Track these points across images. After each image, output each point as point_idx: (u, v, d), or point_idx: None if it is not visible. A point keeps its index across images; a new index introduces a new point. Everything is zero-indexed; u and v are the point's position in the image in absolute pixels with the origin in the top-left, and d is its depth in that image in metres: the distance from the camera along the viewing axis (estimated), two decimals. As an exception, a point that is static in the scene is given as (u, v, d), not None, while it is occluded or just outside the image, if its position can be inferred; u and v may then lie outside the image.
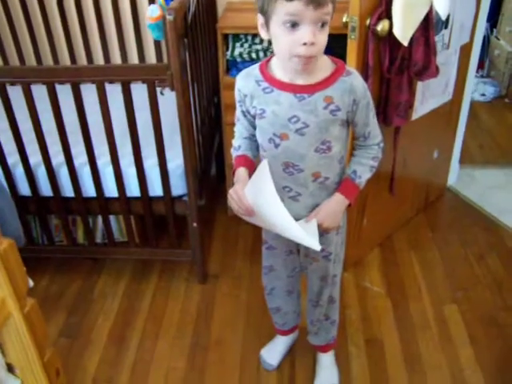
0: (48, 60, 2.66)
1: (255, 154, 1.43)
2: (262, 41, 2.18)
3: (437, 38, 1.89)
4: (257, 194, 1.28)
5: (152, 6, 1.90)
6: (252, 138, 1.42)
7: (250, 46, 2.17)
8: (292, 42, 1.14)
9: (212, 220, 2.56)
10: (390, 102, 1.85)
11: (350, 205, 1.40)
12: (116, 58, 2.64)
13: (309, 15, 1.10)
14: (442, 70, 1.98)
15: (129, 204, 2.00)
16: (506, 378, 1.77)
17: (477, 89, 3.69)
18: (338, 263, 1.58)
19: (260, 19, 1.20)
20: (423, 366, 1.81)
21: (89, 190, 1.97)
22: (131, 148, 1.84)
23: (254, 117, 1.35)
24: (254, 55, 2.18)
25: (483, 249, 2.33)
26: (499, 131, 3.34)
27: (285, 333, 1.83)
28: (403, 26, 1.63)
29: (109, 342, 1.94)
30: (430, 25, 1.73)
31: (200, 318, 2.03)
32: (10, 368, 1.13)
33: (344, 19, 1.71)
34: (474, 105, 3.37)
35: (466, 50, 2.23)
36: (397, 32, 1.64)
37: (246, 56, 2.18)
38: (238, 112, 1.40)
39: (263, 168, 1.23)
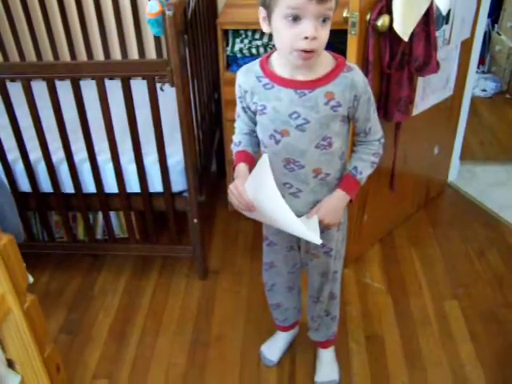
0: (48, 56, 2.65)
1: (256, 150, 1.42)
2: (262, 36, 2.17)
3: (437, 34, 1.88)
4: (257, 189, 1.28)
5: (151, 1, 1.89)
6: (252, 134, 1.42)
7: (250, 42, 2.16)
8: (294, 36, 1.13)
9: (212, 216, 2.56)
10: (390, 97, 1.84)
11: (351, 201, 1.40)
12: (116, 54, 2.64)
13: (311, 9, 1.09)
14: (443, 66, 1.98)
15: (129, 200, 2.00)
16: (507, 374, 1.77)
17: (478, 84, 3.68)
18: (339, 259, 1.58)
19: (262, 12, 1.19)
20: (424, 362, 1.81)
21: (89, 186, 1.97)
22: (131, 144, 1.84)
23: (254, 113, 1.35)
24: (254, 51, 2.17)
25: (484, 245, 2.33)
26: (500, 127, 3.33)
27: (285, 329, 1.83)
28: (404, 21, 1.62)
29: (109, 338, 1.95)
30: (430, 20, 1.72)
31: (200, 314, 2.04)
32: (11, 364, 1.13)
33: (344, 14, 1.70)
34: (474, 100, 3.37)
35: (466, 46, 2.22)
36: (397, 27, 1.63)
37: (246, 52, 2.17)
38: (238, 108, 1.40)
39: (263, 163, 1.23)
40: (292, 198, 1.38)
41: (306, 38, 1.12)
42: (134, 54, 2.62)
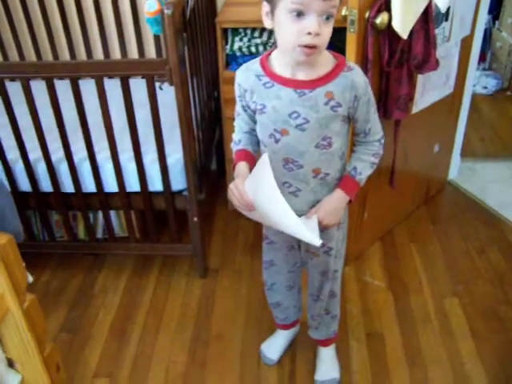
0: (47, 55, 2.65)
1: (256, 149, 1.42)
2: (261, 34, 2.17)
3: (437, 31, 1.88)
4: (257, 188, 1.28)
5: (150, 0, 1.89)
6: (252, 133, 1.41)
7: (249, 40, 2.16)
8: (297, 31, 1.13)
9: (212, 214, 2.56)
10: (389, 95, 1.84)
11: (350, 201, 1.39)
12: (116, 53, 2.64)
13: (316, 5, 1.09)
14: (443, 63, 1.98)
15: (129, 199, 2.00)
16: (507, 371, 1.76)
17: (479, 81, 3.67)
18: (339, 258, 1.58)
19: (265, 7, 1.18)
20: (424, 359, 1.81)
21: (89, 186, 1.97)
22: (131, 143, 1.84)
23: (254, 112, 1.35)
24: (253, 49, 2.17)
25: (484, 242, 2.33)
26: (501, 124, 3.33)
27: (285, 327, 1.83)
28: (403, 18, 1.62)
29: (110, 336, 1.95)
30: (429, 17, 1.72)
31: (201, 313, 2.04)
32: (11, 363, 1.13)
33: (343, 12, 1.70)
34: (475, 98, 3.36)
35: (466, 43, 2.22)
36: (396, 25, 1.63)
37: (245, 50, 2.17)
38: (238, 107, 1.40)
39: (264, 162, 1.23)
40: (291, 196, 1.37)
41: (309, 33, 1.12)
42: (133, 53, 2.62)
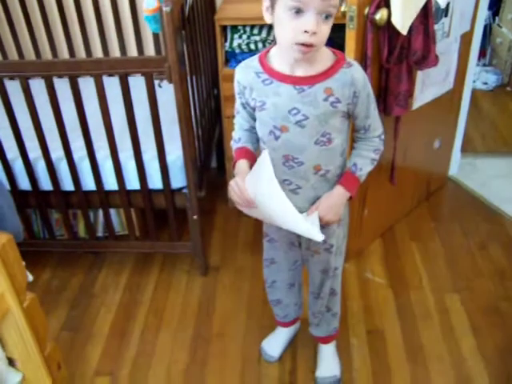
0: (47, 54, 2.65)
1: (255, 147, 1.42)
2: (260, 32, 2.16)
3: (437, 27, 1.87)
4: (258, 186, 1.28)
5: (149, -3, 1.89)
6: (252, 130, 1.41)
7: (248, 38, 2.15)
8: (294, 29, 1.13)
9: (212, 212, 2.56)
10: (389, 91, 1.84)
11: (351, 197, 1.39)
12: (115, 51, 2.63)
13: (315, 4, 1.09)
14: (443, 59, 1.97)
15: (129, 197, 2.00)
16: (508, 367, 1.76)
17: (479, 77, 3.66)
18: (340, 256, 1.58)
19: (266, 2, 1.18)
20: (425, 356, 1.81)
21: (89, 184, 1.97)
22: (130, 141, 1.84)
23: (253, 109, 1.34)
24: (252, 46, 2.16)
25: (485, 238, 2.33)
26: (501, 120, 3.32)
27: (286, 325, 1.83)
28: (402, 14, 1.61)
29: (110, 335, 1.95)
30: (429, 13, 1.71)
31: (201, 311, 2.04)
32: (12, 362, 1.13)
33: (342, 9, 1.69)
34: (475, 93, 3.36)
35: (466, 39, 2.21)
36: (395, 21, 1.62)
37: (244, 47, 2.17)
38: (237, 104, 1.39)
39: (264, 159, 1.23)
40: (291, 194, 1.37)
41: (307, 31, 1.11)
42: (132, 51, 2.62)
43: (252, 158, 1.39)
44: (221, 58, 2.20)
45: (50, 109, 1.78)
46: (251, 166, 1.35)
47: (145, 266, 2.26)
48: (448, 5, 1.89)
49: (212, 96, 2.48)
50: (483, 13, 2.29)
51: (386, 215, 2.35)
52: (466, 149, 2.80)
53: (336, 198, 1.36)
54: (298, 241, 1.58)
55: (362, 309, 2.01)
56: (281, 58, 1.25)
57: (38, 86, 1.80)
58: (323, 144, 1.29)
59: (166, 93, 1.86)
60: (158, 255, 2.31)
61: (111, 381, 1.79)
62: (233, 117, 1.45)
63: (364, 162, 1.36)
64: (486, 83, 3.68)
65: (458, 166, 2.75)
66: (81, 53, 2.63)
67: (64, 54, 2.65)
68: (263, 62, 1.28)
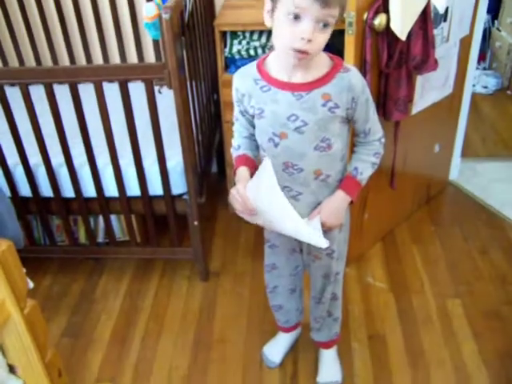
0: (47, 60, 2.66)
1: (256, 154, 1.42)
2: (260, 37, 2.17)
3: (436, 31, 1.88)
4: (259, 193, 1.28)
5: (148, 4, 1.90)
6: (251, 138, 1.41)
7: (248, 43, 2.16)
8: (291, 34, 1.13)
9: (213, 217, 2.56)
10: (389, 96, 1.84)
11: (352, 202, 1.39)
12: (115, 58, 2.64)
13: (314, 11, 1.09)
14: (442, 64, 1.97)
15: (129, 203, 2.00)
16: (509, 372, 1.76)
17: (479, 81, 3.67)
18: (341, 260, 1.58)
19: (268, 5, 1.18)
20: (426, 360, 1.81)
21: (89, 190, 1.97)
22: (130, 147, 1.84)
23: (252, 116, 1.34)
24: (252, 52, 2.17)
25: (486, 242, 2.32)
26: (502, 124, 3.32)
27: (287, 330, 1.83)
28: (401, 20, 1.62)
29: (111, 341, 1.95)
30: (428, 18, 1.71)
31: (202, 316, 2.04)
32: (12, 369, 1.13)
33: (341, 15, 1.70)
34: (475, 97, 3.37)
35: (466, 43, 2.22)
36: (394, 26, 1.63)
37: (244, 53, 2.17)
38: (236, 112, 1.39)
39: (266, 166, 1.23)
40: (292, 201, 1.37)
41: (303, 38, 1.12)
42: (132, 57, 2.63)
43: (252, 164, 1.39)
44: (220, 64, 2.20)
45: (51, 115, 1.79)
46: (252, 173, 1.35)
47: (145, 272, 2.26)
48: (447, 9, 1.90)
49: (212, 101, 2.48)
50: (482, 17, 2.30)
51: (387, 219, 2.35)
52: (466, 153, 2.80)
53: (337, 203, 1.36)
54: (299, 246, 1.58)
55: (363, 313, 2.00)
56: (278, 64, 1.25)
57: (38, 92, 1.80)
58: (323, 150, 1.29)
59: (166, 99, 1.87)
60: (159, 261, 2.31)
61: (112, 387, 1.79)
62: (233, 122, 1.46)
63: (365, 166, 1.36)
64: (485, 87, 3.68)
65: (458, 170, 2.75)
66: (81, 59, 2.64)
67: (64, 60, 2.66)
68: (261, 69, 1.28)
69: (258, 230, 1.79)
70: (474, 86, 3.22)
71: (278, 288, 1.70)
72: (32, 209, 2.04)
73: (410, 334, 1.91)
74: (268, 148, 1.33)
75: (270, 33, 1.21)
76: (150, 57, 2.63)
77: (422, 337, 1.90)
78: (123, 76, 1.71)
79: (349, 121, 1.31)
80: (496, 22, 3.84)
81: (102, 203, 1.99)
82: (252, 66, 1.30)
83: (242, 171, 1.36)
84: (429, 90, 2.09)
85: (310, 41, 1.12)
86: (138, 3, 2.48)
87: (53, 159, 1.91)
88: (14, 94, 1.81)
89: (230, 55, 2.19)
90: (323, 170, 1.33)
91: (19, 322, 1.06)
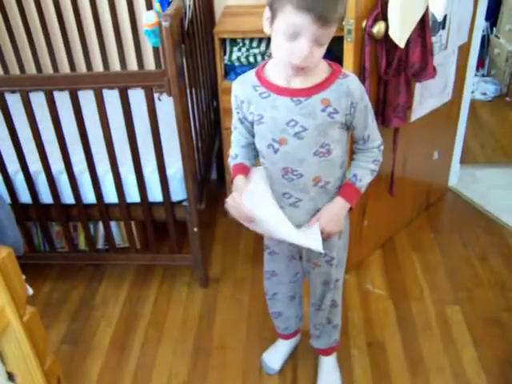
0: (48, 68, 2.67)
1: (253, 163, 1.42)
2: (259, 44, 2.18)
3: (434, 39, 1.89)
4: (255, 203, 1.28)
5: (148, 12, 1.90)
6: (249, 147, 1.41)
7: (247, 50, 2.17)
8: (288, 50, 1.15)
9: (212, 224, 2.56)
10: (388, 103, 1.85)
11: (351, 209, 1.39)
12: (115, 65, 2.65)
13: (311, 31, 1.10)
14: (441, 71, 1.98)
15: (129, 210, 2.00)
16: (510, 380, 1.76)
17: (478, 88, 3.68)
18: (341, 267, 1.58)
19: (267, 13, 1.18)
20: (426, 367, 1.81)
21: (89, 197, 1.98)
22: (130, 154, 1.85)
23: (251, 123, 1.35)
24: (251, 59, 2.18)
25: (485, 249, 2.33)
26: (500, 130, 3.33)
27: (287, 337, 1.83)
28: (399, 27, 1.63)
29: (111, 347, 1.95)
30: (426, 26, 1.72)
31: (202, 323, 2.04)
32: (11, 376, 1.13)
33: (340, 22, 1.71)
34: (474, 104, 3.38)
35: (464, 50, 2.23)
36: (393, 34, 1.64)
37: (243, 60, 2.19)
38: (234, 120, 1.40)
39: (259, 176, 1.24)
40: (292, 208, 1.38)
41: (299, 56, 1.14)
42: (132, 64, 2.64)
43: (248, 172, 1.39)
44: (220, 71, 2.21)
45: (51, 122, 1.80)
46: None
47: (145, 279, 2.26)
48: (445, 17, 1.91)
49: (211, 108, 2.49)
50: (480, 24, 2.31)
51: (386, 226, 2.35)
52: (465, 159, 2.81)
53: (336, 209, 1.37)
54: (298, 253, 1.58)
55: (363, 320, 2.00)
56: (277, 71, 1.26)
57: (38, 99, 1.81)
58: (323, 155, 1.30)
59: (166, 106, 1.88)
60: (159, 267, 2.31)
61: (111, 394, 1.79)
62: (232, 130, 1.46)
63: (364, 173, 1.37)
64: (484, 93, 3.70)
65: (457, 177, 2.76)
66: (81, 66, 2.65)
67: (65, 67, 2.67)
68: (260, 76, 1.29)
69: (258, 237, 1.79)
70: (472, 92, 3.23)
71: (277, 295, 1.70)
72: (32, 215, 2.05)
73: (410, 340, 1.91)
74: (267, 154, 1.33)
75: (269, 40, 1.21)
76: (150, 64, 2.64)
77: (422, 344, 1.89)
78: (123, 83, 1.72)
79: (348, 127, 1.32)
80: (494, 29, 3.86)
81: (102, 210, 2.00)
82: (251, 73, 1.31)
83: (239, 180, 1.36)
84: (427, 97, 2.10)
85: (307, 58, 1.14)
86: (138, 10, 2.49)
87: (53, 166, 1.91)
88: (14, 101, 1.81)
89: (229, 62, 2.21)
90: (322, 177, 1.33)
91: (18, 329, 1.06)
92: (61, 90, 1.77)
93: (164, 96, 1.77)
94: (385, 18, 1.65)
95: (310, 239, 1.32)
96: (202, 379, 1.82)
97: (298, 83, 1.24)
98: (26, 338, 1.08)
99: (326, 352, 1.76)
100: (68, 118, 1.80)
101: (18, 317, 1.05)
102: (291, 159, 1.30)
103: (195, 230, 2.01)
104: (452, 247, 2.35)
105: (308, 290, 1.66)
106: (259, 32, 2.07)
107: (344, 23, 1.66)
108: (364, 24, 1.65)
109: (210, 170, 2.45)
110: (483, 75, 3.89)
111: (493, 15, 3.75)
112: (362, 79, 1.71)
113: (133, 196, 1.97)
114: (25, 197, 1.99)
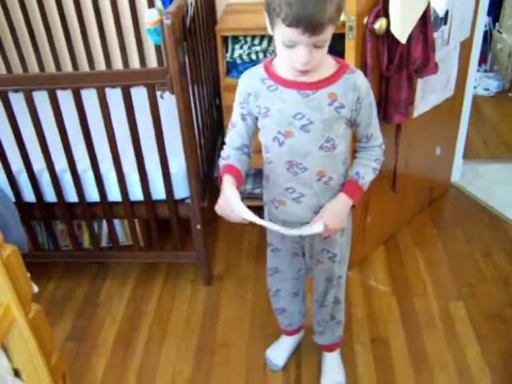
0: (50, 67, 2.68)
1: (244, 169, 1.39)
2: (261, 42, 2.19)
3: (436, 35, 1.89)
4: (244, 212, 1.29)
5: (150, 10, 1.91)
6: (242, 149, 1.40)
7: (249, 48, 2.18)
8: (289, 58, 1.17)
9: (216, 221, 2.56)
10: (390, 99, 1.85)
11: (353, 206, 1.40)
12: (117, 64, 2.66)
13: (305, 40, 1.11)
14: (443, 66, 1.98)
15: (132, 208, 2.01)
16: (513, 374, 1.76)
17: (480, 83, 3.67)
18: (343, 264, 1.59)
19: (266, 17, 1.19)
20: (429, 363, 1.81)
21: (92, 195, 1.99)
22: (133, 152, 1.85)
23: (255, 119, 1.35)
24: (253, 56, 2.18)
25: (488, 244, 2.33)
26: (503, 126, 3.32)
27: (290, 333, 1.84)
28: (401, 23, 1.63)
29: (115, 345, 1.96)
30: (427, 22, 1.72)
31: (206, 320, 2.04)
32: (17, 373, 1.14)
33: (341, 18, 1.70)
34: (477, 99, 3.37)
35: (466, 45, 2.22)
36: (394, 30, 1.64)
37: (245, 57, 2.19)
38: (234, 116, 1.39)
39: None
40: (294, 203, 1.38)
41: (300, 62, 1.15)
42: (135, 62, 2.64)
43: (238, 175, 1.36)
44: (222, 69, 2.22)
45: (54, 121, 1.80)
46: (238, 184, 1.34)
47: (149, 276, 2.27)
48: (447, 12, 1.90)
49: (214, 106, 2.49)
50: (483, 19, 2.30)
51: (389, 222, 2.36)
52: (467, 155, 2.80)
53: (339, 205, 1.37)
54: (301, 250, 1.58)
55: (366, 316, 2.01)
56: (284, 66, 1.27)
57: (41, 98, 1.82)
58: (327, 150, 1.30)
59: (168, 104, 1.88)
60: (162, 265, 2.31)
61: (116, 391, 1.80)
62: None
63: (366, 171, 1.37)
64: (487, 89, 3.69)
65: (460, 173, 2.76)
66: (84, 65, 2.66)
67: (67, 66, 2.68)
68: (268, 69, 1.30)
69: (261, 234, 1.80)
70: (475, 88, 3.23)
71: (280, 291, 1.70)
72: (36, 214, 2.06)
73: (413, 336, 1.91)
74: (272, 147, 1.34)
75: (271, 37, 1.22)
76: (152, 62, 2.64)
77: (425, 339, 1.90)
78: (125, 81, 1.72)
79: (352, 124, 1.32)
80: (497, 24, 3.84)
81: (106, 208, 2.00)
82: (259, 67, 1.32)
83: (227, 183, 1.33)
84: (429, 93, 2.09)
85: (307, 63, 1.15)
86: (140, 9, 2.50)
87: (56, 165, 1.92)
88: (17, 101, 1.82)
89: (231, 60, 2.21)
90: (326, 172, 1.34)
91: (24, 326, 1.07)
92: (64, 88, 1.77)
93: (166, 94, 1.78)
94: (386, 14, 1.65)
95: (310, 226, 1.35)
96: (206, 376, 1.82)
97: (305, 77, 1.25)
98: (31, 334, 1.09)
99: (330, 348, 1.77)
100: (71, 117, 1.81)
101: (24, 314, 1.06)
102: (296, 152, 1.31)
103: (198, 227, 2.02)
104: (455, 243, 2.35)
105: (311, 286, 1.67)
106: (261, 29, 2.09)
107: (345, 20, 1.66)
108: (365, 20, 1.65)
109: (212, 168, 2.45)
110: (486, 71, 3.88)
111: (495, 10, 3.73)
112: (364, 75, 1.70)
113: (136, 194, 1.97)
114: (29, 196, 2.00)
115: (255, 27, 2.10)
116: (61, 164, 1.93)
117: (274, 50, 2.13)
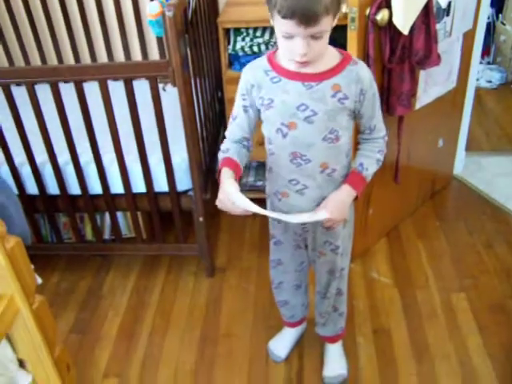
0: (52, 59, 2.68)
1: (243, 162, 1.39)
2: (263, 34, 2.18)
3: (439, 26, 1.88)
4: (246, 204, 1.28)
5: (152, 2, 1.90)
6: (242, 142, 1.39)
7: (251, 40, 2.17)
8: (288, 49, 1.18)
9: (218, 213, 2.56)
10: (392, 91, 1.85)
11: (356, 197, 1.40)
12: (119, 56, 2.65)
13: (301, 32, 1.12)
14: (445, 58, 1.98)
15: (135, 200, 2.02)
16: (515, 365, 1.77)
17: (483, 75, 3.66)
18: (346, 256, 1.59)
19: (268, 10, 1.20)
20: (431, 354, 1.82)
21: (95, 188, 1.99)
22: (136, 144, 1.86)
23: (257, 111, 1.35)
24: (255, 48, 2.18)
25: (491, 236, 2.33)
26: (506, 118, 3.31)
27: (293, 325, 1.84)
28: (403, 14, 1.62)
29: (118, 337, 1.97)
30: (430, 13, 1.72)
31: (208, 312, 2.05)
32: (22, 363, 1.15)
33: (344, 10, 1.70)
34: (479, 92, 3.36)
35: (469, 37, 2.22)
36: (397, 21, 1.63)
37: (247, 49, 2.18)
38: (236, 108, 1.38)
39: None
40: (297, 195, 1.38)
41: (299, 53, 1.16)
42: (137, 55, 2.64)
43: (237, 169, 1.35)
44: (224, 61, 2.21)
45: (56, 113, 1.80)
46: (237, 177, 1.33)
47: (152, 268, 2.28)
48: (449, 4, 1.90)
49: (216, 99, 2.49)
50: (486, 10, 2.29)
51: (391, 214, 2.36)
52: (470, 147, 2.80)
53: (342, 196, 1.37)
54: (304, 242, 1.59)
55: (368, 308, 2.01)
56: (285, 58, 1.27)
57: (44, 91, 1.82)
58: (331, 141, 1.30)
59: (171, 96, 1.88)
60: (165, 257, 2.32)
61: (120, 382, 1.80)
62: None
63: (369, 162, 1.37)
64: (490, 81, 3.67)
65: (462, 165, 2.75)
66: (86, 57, 2.66)
67: (69, 59, 2.68)
68: (272, 61, 1.30)
69: (264, 226, 1.80)
70: (478, 80, 3.22)
71: (283, 284, 1.71)
72: (39, 207, 2.06)
73: (415, 328, 1.92)
74: (275, 139, 1.34)
75: (273, 29, 1.22)
76: (154, 54, 2.64)
77: (427, 331, 1.90)
78: (128, 74, 1.72)
79: (355, 116, 1.32)
80: (500, 15, 3.82)
81: (108, 200, 2.01)
82: (263, 59, 1.32)
83: (226, 172, 1.33)
84: (432, 85, 2.09)
85: (305, 54, 1.16)
86: (142, 1, 2.49)
87: (59, 157, 1.93)
88: (20, 93, 1.82)
89: (233, 52, 2.20)
90: (330, 164, 1.34)
91: (28, 317, 1.08)
92: (66, 81, 1.78)
93: (169, 86, 1.78)
94: (388, 5, 1.64)
95: (314, 213, 1.35)
96: (209, 367, 1.83)
97: (309, 68, 1.25)
98: (35, 325, 1.10)
99: (332, 340, 1.78)
100: (73, 110, 1.81)
101: (28, 305, 1.07)
102: (300, 144, 1.31)
103: (201, 219, 2.02)
104: (457, 235, 2.35)
105: (313, 277, 1.67)
106: (263, 21, 2.08)
107: (347, 11, 1.65)
108: (368, 11, 1.65)
109: (214, 160, 2.45)
110: (489, 63, 3.87)
111: (499, 2, 3.72)
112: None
113: (139, 186, 1.98)
114: (32, 188, 2.01)
115: (257, 19, 2.10)
116: (63, 156, 1.94)
117: (275, 42, 2.13)
